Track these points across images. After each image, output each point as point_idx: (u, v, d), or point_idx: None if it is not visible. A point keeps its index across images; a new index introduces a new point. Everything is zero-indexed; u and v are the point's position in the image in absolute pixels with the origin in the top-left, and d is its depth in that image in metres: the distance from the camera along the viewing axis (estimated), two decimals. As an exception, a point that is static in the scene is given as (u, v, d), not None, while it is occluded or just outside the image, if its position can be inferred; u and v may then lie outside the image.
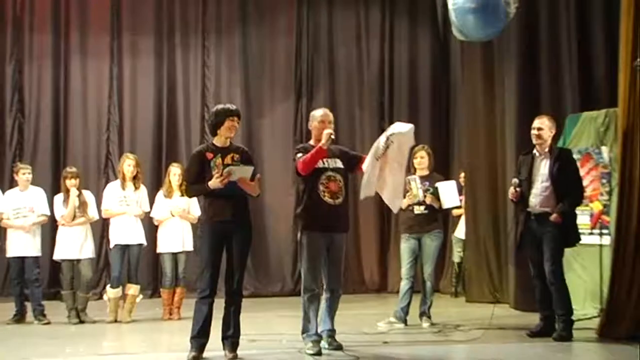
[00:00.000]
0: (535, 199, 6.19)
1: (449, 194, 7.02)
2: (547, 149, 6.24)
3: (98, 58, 10.10)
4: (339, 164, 5.54)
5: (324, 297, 5.58)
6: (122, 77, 10.14)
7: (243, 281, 5.51)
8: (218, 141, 5.48)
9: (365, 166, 5.42)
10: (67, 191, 7.54)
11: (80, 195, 7.58)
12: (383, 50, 10.52)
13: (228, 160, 5.38)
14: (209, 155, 5.39)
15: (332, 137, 5.36)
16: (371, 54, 10.53)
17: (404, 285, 6.96)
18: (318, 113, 5.65)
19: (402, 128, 5.40)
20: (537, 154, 6.28)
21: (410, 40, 10.56)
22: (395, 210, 5.96)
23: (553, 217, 6.07)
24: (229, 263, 5.42)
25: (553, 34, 8.08)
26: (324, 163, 5.46)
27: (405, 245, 7.03)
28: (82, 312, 7.54)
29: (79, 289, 7.51)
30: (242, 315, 5.47)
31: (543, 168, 6.21)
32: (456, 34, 7.49)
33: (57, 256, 7.63)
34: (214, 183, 5.25)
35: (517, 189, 6.24)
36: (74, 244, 7.51)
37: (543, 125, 6.25)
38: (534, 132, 6.25)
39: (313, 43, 10.45)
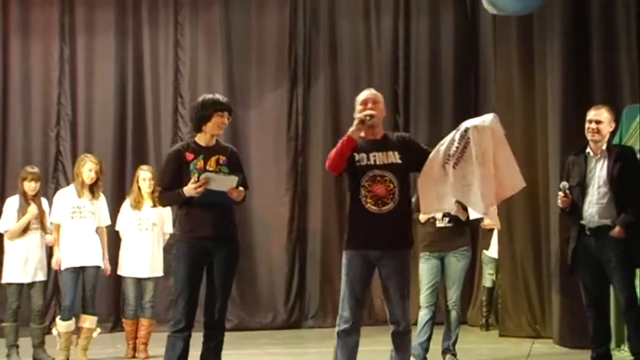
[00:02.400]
0: (591, 209, 6.12)
1: None
2: (604, 147, 6.19)
3: (44, 36, 10.11)
4: (394, 158, 5.15)
5: (391, 332, 5.30)
6: (75, 59, 10.15)
7: (226, 311, 5.51)
8: (201, 139, 5.48)
9: (423, 176, 5.21)
10: (25, 195, 7.52)
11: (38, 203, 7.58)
12: (397, 27, 10.52)
13: (212, 162, 5.39)
14: (189, 155, 5.40)
15: (370, 120, 5.02)
16: (382, 31, 10.54)
17: (423, 315, 6.96)
18: (362, 95, 5.31)
19: (480, 120, 5.16)
20: (592, 154, 6.22)
21: (430, 15, 10.57)
22: (494, 220, 5.62)
23: (615, 230, 6.01)
24: (209, 289, 5.42)
25: (607, 5, 8.10)
26: (369, 158, 5.11)
27: (425, 266, 7.03)
28: (39, 349, 7.54)
29: (32, 320, 7.52)
30: (225, 352, 5.46)
31: (600, 170, 6.16)
32: (487, 6, 7.53)
33: (6, 279, 7.55)
34: (188, 190, 5.25)
35: (568, 193, 6.16)
36: (29, 264, 7.48)
37: (602, 118, 6.19)
38: (590, 125, 6.19)
39: (311, 18, 10.46)
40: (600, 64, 8.09)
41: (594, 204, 6.12)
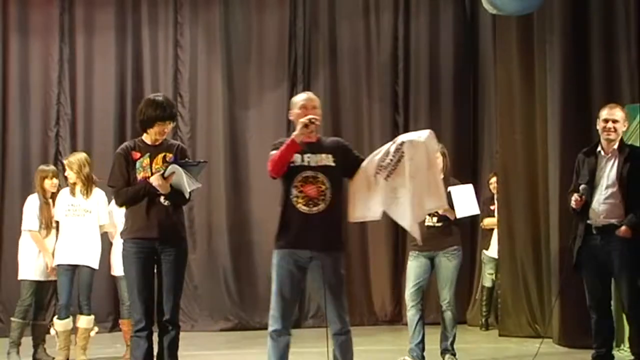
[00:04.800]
0: (599, 208, 6.14)
1: (465, 200, 6.98)
2: (615, 146, 6.19)
3: (44, 35, 10.13)
4: (327, 161, 5.20)
5: (332, 333, 5.27)
6: (74, 59, 10.17)
7: (179, 310, 5.59)
8: (147, 138, 5.56)
9: (354, 182, 5.29)
10: (45, 193, 7.54)
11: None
12: (397, 26, 10.56)
13: (159, 160, 5.47)
14: (136, 154, 5.49)
15: (314, 125, 5.07)
16: (382, 30, 10.57)
17: (412, 315, 6.92)
18: (299, 98, 5.38)
19: (416, 136, 5.25)
20: (602, 153, 6.22)
21: (430, 14, 10.60)
22: (416, 235, 5.57)
23: (621, 230, 6.02)
24: (159, 289, 5.48)
25: (606, 6, 8.14)
26: (302, 160, 5.16)
27: (413, 264, 6.98)
28: (40, 348, 7.56)
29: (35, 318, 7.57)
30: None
31: (609, 170, 6.17)
32: (487, 6, 7.55)
33: (23, 275, 7.55)
34: (156, 180, 5.30)
35: (583, 197, 6.14)
36: (43, 262, 7.49)
37: (618, 117, 6.19)
38: (607, 125, 6.18)
39: (311, 17, 10.49)
40: (600, 64, 8.11)
41: (601, 204, 6.13)
